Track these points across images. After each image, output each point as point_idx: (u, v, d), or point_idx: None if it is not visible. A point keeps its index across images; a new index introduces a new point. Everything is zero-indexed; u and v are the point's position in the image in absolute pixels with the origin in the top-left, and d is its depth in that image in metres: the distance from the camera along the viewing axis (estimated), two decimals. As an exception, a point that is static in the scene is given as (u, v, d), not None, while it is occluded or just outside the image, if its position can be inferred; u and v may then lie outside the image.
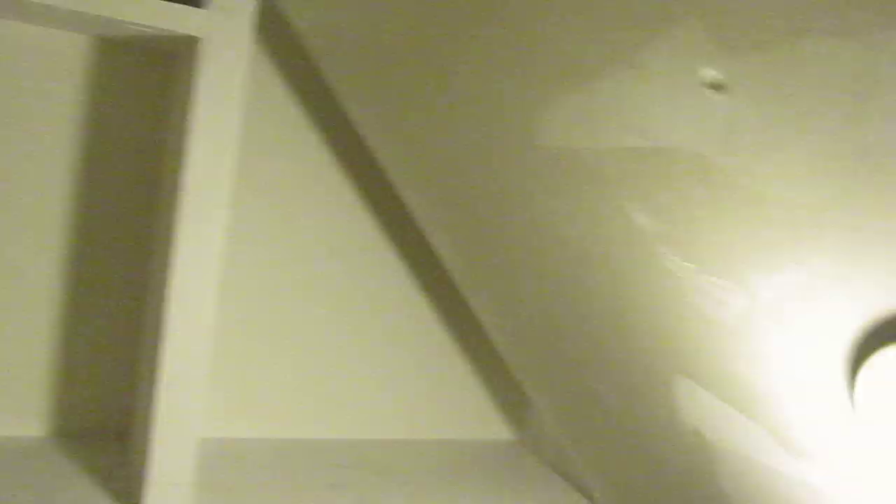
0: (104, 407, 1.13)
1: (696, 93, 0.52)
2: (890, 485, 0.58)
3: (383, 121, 1.04)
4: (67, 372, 1.10)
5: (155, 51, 1.06)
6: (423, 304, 1.31)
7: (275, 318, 1.22)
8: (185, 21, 0.90)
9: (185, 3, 0.89)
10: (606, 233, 0.66)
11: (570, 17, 0.60)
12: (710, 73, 0.51)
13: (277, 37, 1.14)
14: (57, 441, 1.10)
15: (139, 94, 1.07)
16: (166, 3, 0.88)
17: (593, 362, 0.86)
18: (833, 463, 0.62)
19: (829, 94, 0.45)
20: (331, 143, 1.19)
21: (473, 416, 1.40)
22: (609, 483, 1.09)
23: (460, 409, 1.38)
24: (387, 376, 1.30)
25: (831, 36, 0.44)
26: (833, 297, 0.49)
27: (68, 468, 1.04)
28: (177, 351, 0.93)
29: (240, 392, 1.21)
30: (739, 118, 0.50)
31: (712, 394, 0.69)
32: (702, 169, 0.52)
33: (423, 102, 0.89)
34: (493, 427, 1.42)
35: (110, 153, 1.07)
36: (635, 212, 0.59)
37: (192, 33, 0.90)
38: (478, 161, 0.81)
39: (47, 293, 1.07)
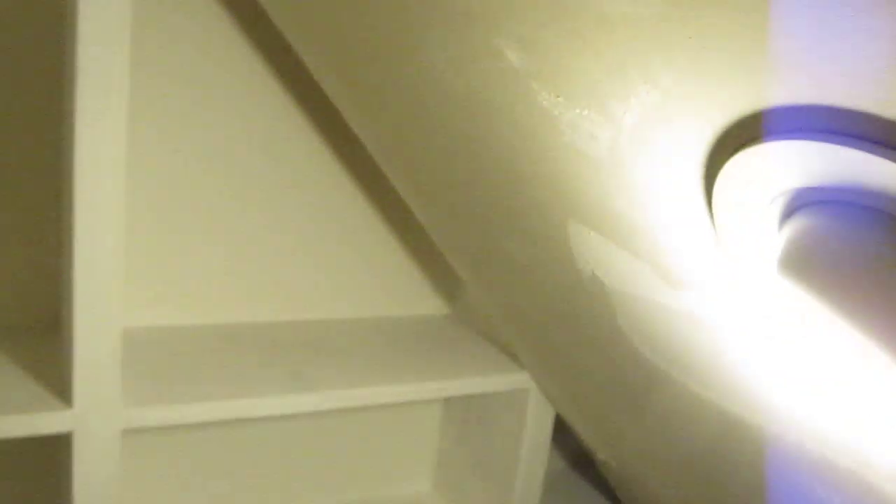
0: (33, 303, 1.14)
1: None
2: (754, 305, 0.60)
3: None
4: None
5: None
6: (348, 180, 1.30)
7: (196, 202, 1.21)
8: None
9: None
10: (484, 77, 0.65)
11: None
12: None
13: None
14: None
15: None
16: None
17: (498, 219, 0.87)
18: (705, 289, 0.64)
19: None
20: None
21: (406, 293, 1.42)
22: (529, 343, 1.12)
23: (392, 287, 1.40)
24: (317, 256, 1.31)
25: None
26: (685, 114, 0.50)
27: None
28: (87, 240, 0.92)
29: (166, 279, 1.21)
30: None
31: (599, 234, 0.70)
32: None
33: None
34: (426, 303, 1.45)
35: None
36: (506, 48, 0.59)
37: None
38: (358, 19, 0.79)
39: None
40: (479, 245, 1.02)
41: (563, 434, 1.53)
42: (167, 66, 1.12)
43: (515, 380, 1.26)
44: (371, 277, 1.37)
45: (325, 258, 1.32)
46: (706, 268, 0.61)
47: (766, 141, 0.46)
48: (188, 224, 1.21)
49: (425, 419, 1.49)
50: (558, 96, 0.59)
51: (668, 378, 0.87)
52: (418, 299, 1.42)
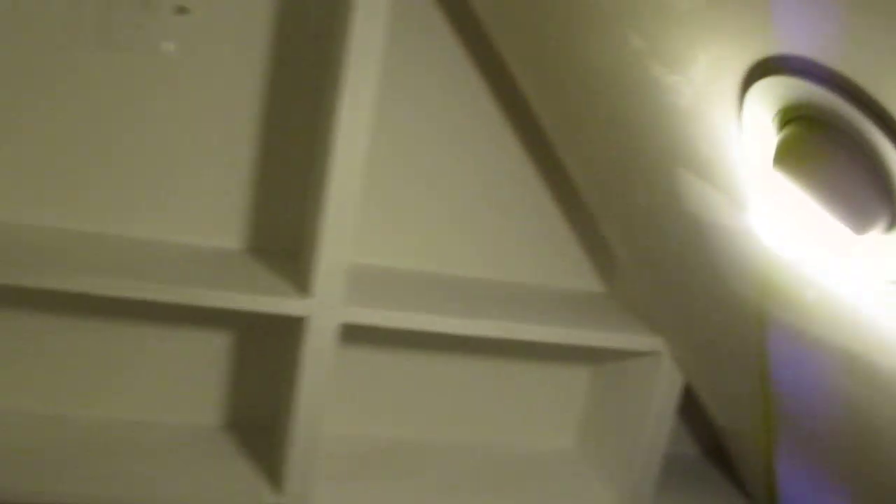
0: (281, 228, 1.54)
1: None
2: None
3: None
4: (256, 199, 1.52)
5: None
6: (537, 177, 1.62)
7: (419, 176, 1.57)
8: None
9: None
10: (618, 58, 0.95)
11: None
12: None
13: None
14: (249, 253, 1.52)
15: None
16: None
17: (631, 174, 1.14)
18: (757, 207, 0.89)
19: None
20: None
21: (570, 269, 1.70)
22: (667, 304, 1.37)
23: (560, 262, 1.69)
24: (507, 229, 1.63)
25: None
26: (722, 69, 0.76)
27: (262, 272, 1.46)
28: (336, 188, 1.30)
29: (390, 229, 1.59)
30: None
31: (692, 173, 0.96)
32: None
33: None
34: (586, 279, 1.72)
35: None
36: (631, 37, 0.88)
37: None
38: (545, 24, 1.12)
39: (247, 136, 1.48)
40: (621, 203, 1.31)
41: (696, 421, 1.74)
42: (403, 71, 1.50)
43: (651, 342, 1.51)
44: (543, 251, 1.67)
45: (514, 232, 1.64)
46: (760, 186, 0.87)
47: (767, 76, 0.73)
48: (410, 187, 1.57)
49: (573, 381, 1.76)
50: (664, 67, 0.87)
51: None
52: (579, 275, 1.71)
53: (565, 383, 1.77)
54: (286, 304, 1.34)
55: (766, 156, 0.80)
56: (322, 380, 1.37)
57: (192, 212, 1.49)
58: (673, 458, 1.74)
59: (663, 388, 1.55)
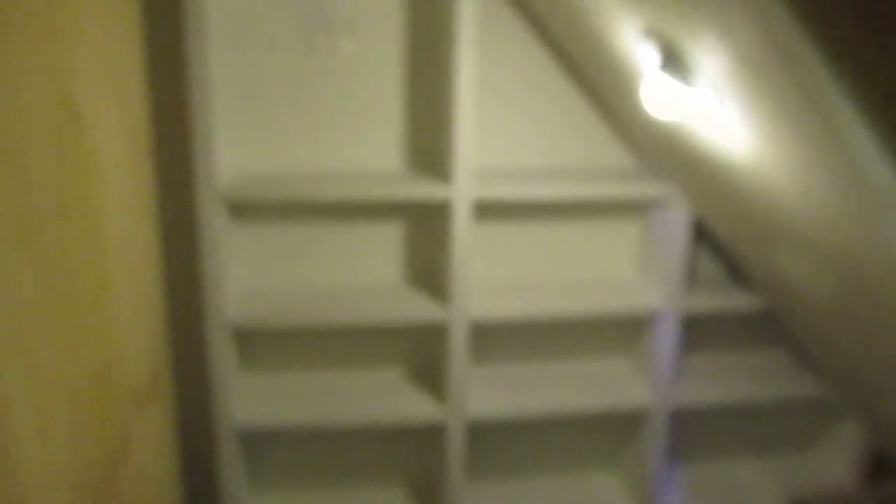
0: (427, 149, 2.46)
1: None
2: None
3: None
4: (409, 131, 2.43)
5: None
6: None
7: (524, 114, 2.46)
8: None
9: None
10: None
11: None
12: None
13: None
14: (408, 169, 2.44)
15: None
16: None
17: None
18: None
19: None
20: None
21: (610, 151, 2.56)
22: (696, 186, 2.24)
23: (605, 147, 2.55)
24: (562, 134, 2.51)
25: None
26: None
27: (419, 178, 2.38)
28: (460, 115, 2.20)
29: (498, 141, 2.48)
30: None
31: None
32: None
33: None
34: (622, 156, 2.58)
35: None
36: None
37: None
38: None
39: (398, 94, 2.39)
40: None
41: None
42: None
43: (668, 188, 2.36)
44: (593, 140, 2.54)
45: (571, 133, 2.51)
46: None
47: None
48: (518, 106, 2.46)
49: (627, 230, 2.63)
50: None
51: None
52: (617, 154, 2.57)
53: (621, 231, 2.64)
54: (436, 190, 2.25)
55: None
56: (468, 242, 2.29)
57: (369, 144, 2.42)
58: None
59: (682, 220, 2.40)
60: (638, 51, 1.80)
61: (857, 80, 1.20)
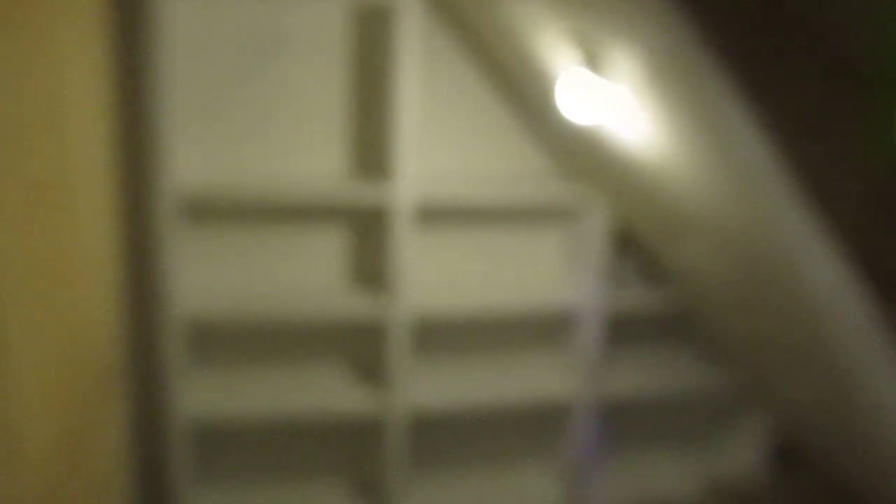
0: (369, 152, 2.66)
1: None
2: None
3: None
4: (353, 138, 2.63)
5: None
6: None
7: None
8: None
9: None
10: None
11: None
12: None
13: None
14: (349, 172, 2.64)
15: None
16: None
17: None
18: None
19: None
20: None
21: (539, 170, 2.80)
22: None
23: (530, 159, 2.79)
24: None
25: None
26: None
27: (361, 179, 2.58)
28: (402, 122, 2.40)
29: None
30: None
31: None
32: None
33: None
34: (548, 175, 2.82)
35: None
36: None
37: None
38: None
39: (342, 100, 2.59)
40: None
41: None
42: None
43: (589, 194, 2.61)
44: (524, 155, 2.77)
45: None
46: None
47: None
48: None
49: (550, 238, 2.87)
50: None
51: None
52: (547, 175, 2.81)
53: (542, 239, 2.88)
54: (377, 188, 2.44)
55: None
56: (408, 241, 2.48)
57: (315, 151, 2.61)
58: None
59: (601, 222, 2.64)
60: (555, 54, 2.04)
61: (740, 75, 1.44)
